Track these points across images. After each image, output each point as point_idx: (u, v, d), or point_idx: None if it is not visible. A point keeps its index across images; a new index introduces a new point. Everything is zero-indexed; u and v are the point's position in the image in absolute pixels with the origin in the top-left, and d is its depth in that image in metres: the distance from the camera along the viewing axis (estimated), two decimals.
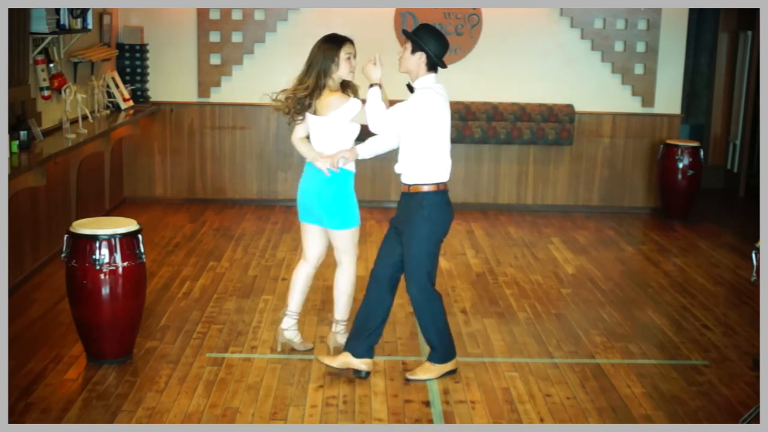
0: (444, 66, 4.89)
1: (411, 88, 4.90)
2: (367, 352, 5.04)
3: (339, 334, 5.35)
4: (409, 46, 4.84)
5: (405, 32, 4.92)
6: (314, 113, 5.08)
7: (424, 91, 4.82)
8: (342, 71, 5.04)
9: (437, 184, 4.88)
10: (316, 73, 5.04)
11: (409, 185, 4.91)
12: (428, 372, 5.05)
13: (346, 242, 5.20)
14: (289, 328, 5.40)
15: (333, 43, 5.05)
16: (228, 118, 9.33)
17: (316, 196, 5.13)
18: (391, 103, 4.96)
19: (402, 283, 5.08)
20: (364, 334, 5.03)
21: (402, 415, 4.65)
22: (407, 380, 5.03)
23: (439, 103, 4.83)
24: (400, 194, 5.04)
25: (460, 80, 9.30)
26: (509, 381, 5.10)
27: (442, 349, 5.06)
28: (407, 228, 4.92)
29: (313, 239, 5.33)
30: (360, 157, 5.11)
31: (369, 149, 5.07)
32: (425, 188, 4.87)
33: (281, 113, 5.19)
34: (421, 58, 4.81)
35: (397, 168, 4.95)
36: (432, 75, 4.86)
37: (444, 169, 4.91)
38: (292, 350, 5.42)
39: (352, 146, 5.10)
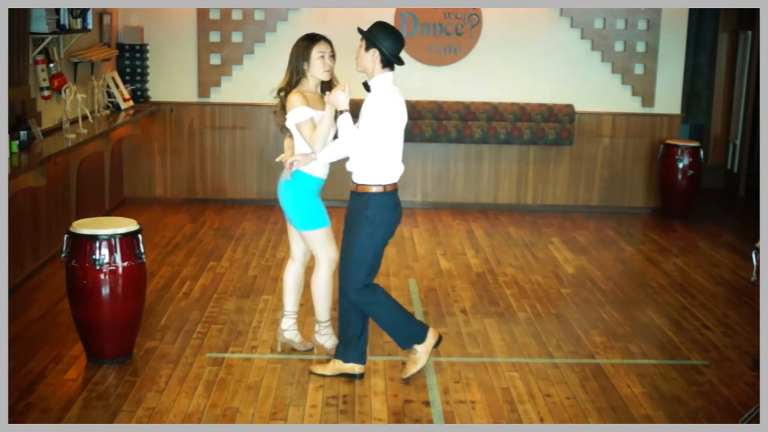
0: (400, 63, 4.83)
1: (367, 86, 4.87)
2: (360, 359, 5.03)
3: (318, 334, 5.36)
4: (363, 43, 4.81)
5: (359, 30, 4.87)
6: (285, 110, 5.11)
7: (384, 96, 4.77)
8: (315, 70, 5.03)
9: (384, 185, 4.83)
10: (290, 71, 5.08)
11: (358, 184, 4.88)
12: (416, 363, 4.99)
13: (311, 243, 5.20)
14: (288, 329, 5.40)
15: (306, 41, 5.06)
16: (228, 118, 9.33)
17: (280, 196, 5.19)
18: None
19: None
20: (351, 343, 5.02)
21: (402, 415, 4.65)
22: (404, 380, 5.02)
23: (397, 106, 4.80)
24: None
25: (460, 80, 9.32)
26: (509, 381, 5.10)
27: (410, 332, 4.97)
28: (351, 228, 4.92)
29: (293, 237, 5.39)
30: (320, 161, 5.04)
31: (328, 154, 4.98)
32: (373, 189, 4.83)
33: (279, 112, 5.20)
34: (374, 55, 4.77)
35: (348, 166, 4.92)
36: (388, 73, 4.81)
37: (394, 171, 4.86)
38: (293, 350, 5.42)
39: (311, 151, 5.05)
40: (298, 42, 5.10)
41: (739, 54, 10.84)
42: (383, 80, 4.81)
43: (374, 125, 4.75)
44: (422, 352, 4.98)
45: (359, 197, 4.87)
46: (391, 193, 4.87)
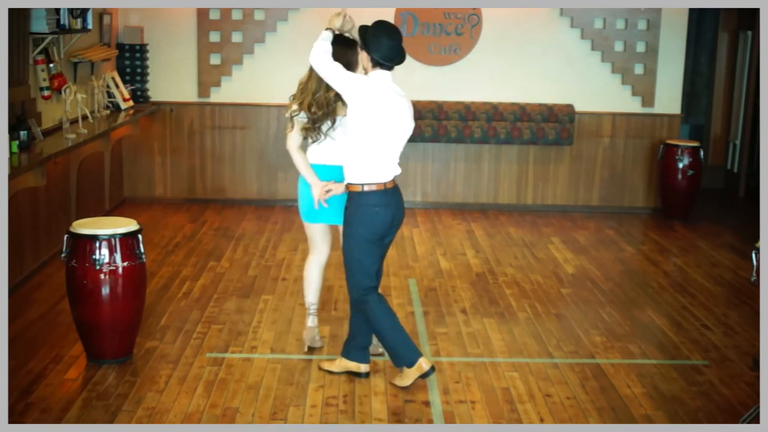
0: (397, 62, 4.79)
1: None
2: (358, 356, 5.02)
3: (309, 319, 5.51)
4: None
5: (359, 29, 4.88)
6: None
7: (374, 81, 4.76)
8: None
9: (362, 184, 4.78)
10: None
11: (346, 183, 4.90)
12: (401, 379, 4.91)
13: (306, 232, 5.39)
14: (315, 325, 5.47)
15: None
16: (228, 118, 9.33)
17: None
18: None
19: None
20: (350, 337, 5.05)
21: (402, 415, 4.65)
22: (390, 383, 4.99)
23: (382, 97, 4.72)
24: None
25: (460, 80, 9.32)
26: (509, 381, 5.10)
27: (395, 353, 4.89)
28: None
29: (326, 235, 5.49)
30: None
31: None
32: (353, 187, 4.82)
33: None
34: (366, 55, 4.80)
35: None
36: (380, 72, 4.79)
37: (375, 171, 4.77)
38: (311, 350, 5.43)
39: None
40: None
41: (739, 54, 10.84)
42: (375, 77, 4.79)
43: (349, 81, 4.73)
44: (409, 375, 4.88)
45: (347, 195, 4.91)
46: (372, 193, 4.79)
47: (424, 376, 4.86)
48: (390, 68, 4.81)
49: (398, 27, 4.89)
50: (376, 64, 4.78)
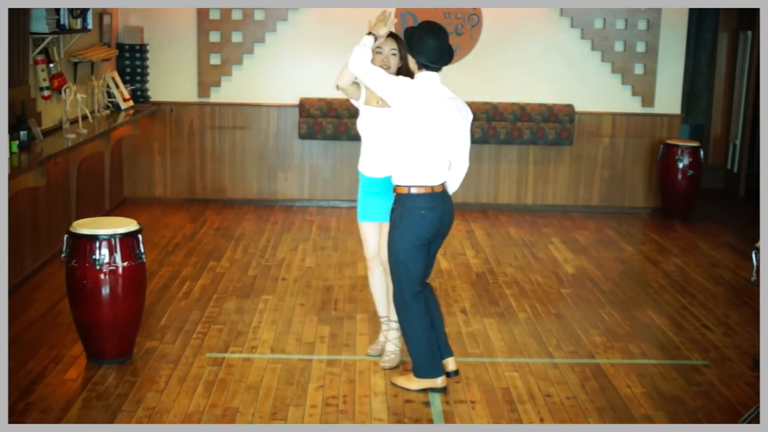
0: (441, 65, 4.76)
1: None
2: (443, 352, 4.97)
3: (382, 332, 5.33)
4: None
5: (405, 31, 4.84)
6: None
7: (419, 84, 4.74)
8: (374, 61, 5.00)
9: (409, 186, 4.75)
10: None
11: (393, 185, 4.88)
12: (407, 382, 4.92)
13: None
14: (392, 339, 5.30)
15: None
16: (228, 118, 9.33)
17: None
18: None
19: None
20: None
21: (402, 415, 4.65)
22: (392, 383, 4.99)
23: (427, 99, 4.70)
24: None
25: (460, 80, 9.29)
26: (509, 381, 5.10)
27: (417, 362, 4.87)
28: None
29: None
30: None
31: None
32: (400, 189, 4.79)
33: None
34: (412, 58, 4.78)
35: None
36: (426, 73, 4.76)
37: (421, 174, 4.74)
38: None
39: None
40: None
41: (739, 54, 10.84)
42: (422, 79, 4.77)
43: (390, 83, 4.70)
44: (420, 383, 4.87)
45: (395, 198, 4.87)
46: (420, 196, 4.75)
47: (434, 391, 4.87)
48: (437, 69, 4.77)
49: (444, 27, 4.84)
50: (422, 66, 4.76)
